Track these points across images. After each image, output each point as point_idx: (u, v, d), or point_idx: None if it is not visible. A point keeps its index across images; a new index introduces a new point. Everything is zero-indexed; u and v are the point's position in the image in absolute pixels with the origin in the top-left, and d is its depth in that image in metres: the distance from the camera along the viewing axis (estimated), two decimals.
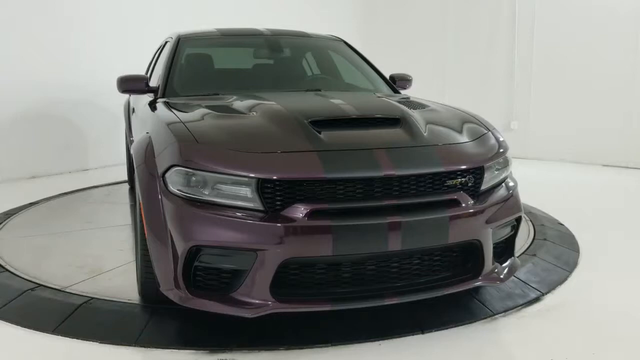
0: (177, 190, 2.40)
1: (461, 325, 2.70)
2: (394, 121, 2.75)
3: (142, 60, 5.92)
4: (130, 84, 3.53)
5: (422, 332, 2.61)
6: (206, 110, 2.91)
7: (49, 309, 2.84)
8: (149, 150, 2.65)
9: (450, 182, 2.52)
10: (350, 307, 2.41)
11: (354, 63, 4.19)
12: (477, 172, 2.61)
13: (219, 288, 2.40)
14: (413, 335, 2.59)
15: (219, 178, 2.33)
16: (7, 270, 3.41)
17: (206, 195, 2.35)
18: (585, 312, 2.87)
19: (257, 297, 2.31)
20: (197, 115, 2.85)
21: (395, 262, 2.48)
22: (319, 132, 2.54)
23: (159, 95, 3.47)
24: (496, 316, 2.80)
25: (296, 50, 4.21)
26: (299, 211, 2.27)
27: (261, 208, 2.30)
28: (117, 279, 3.25)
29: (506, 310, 2.85)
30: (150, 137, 2.76)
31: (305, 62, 4.23)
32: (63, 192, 5.69)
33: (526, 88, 8.26)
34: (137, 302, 2.87)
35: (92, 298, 2.94)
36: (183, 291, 2.37)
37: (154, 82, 3.87)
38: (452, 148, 2.63)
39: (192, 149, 2.43)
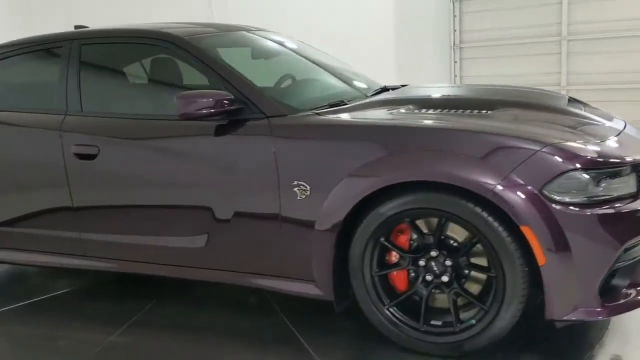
0: (570, 199, 2.19)
1: None
2: None
3: None
4: (201, 103, 2.53)
5: None
6: (452, 117, 2.61)
7: None
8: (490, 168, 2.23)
9: None
10: None
11: None
12: None
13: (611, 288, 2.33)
14: None
15: (606, 172, 2.24)
16: None
17: (599, 193, 2.21)
18: None
19: None
20: (458, 120, 2.55)
21: None
22: None
23: (269, 115, 2.60)
24: None
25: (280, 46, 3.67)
26: None
27: (634, 191, 2.31)
28: None
29: None
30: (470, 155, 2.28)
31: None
32: None
33: None
34: None
35: None
36: (597, 304, 2.25)
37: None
38: None
39: (574, 149, 2.24)
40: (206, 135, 2.69)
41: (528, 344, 2.51)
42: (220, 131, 2.66)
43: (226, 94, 2.62)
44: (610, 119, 2.82)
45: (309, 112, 2.67)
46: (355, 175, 2.40)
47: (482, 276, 2.41)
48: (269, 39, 3.55)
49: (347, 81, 3.38)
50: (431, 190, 2.31)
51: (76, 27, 3.57)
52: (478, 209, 2.23)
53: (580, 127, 2.60)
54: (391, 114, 2.73)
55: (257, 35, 3.52)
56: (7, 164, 3.18)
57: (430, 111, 2.72)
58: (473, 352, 2.38)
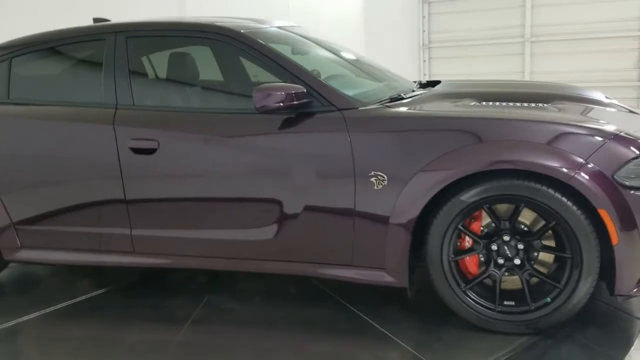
0: (637, 183, 2.39)
1: None
2: None
3: None
4: (278, 97, 2.57)
5: None
6: (518, 109, 2.79)
7: None
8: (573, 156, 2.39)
9: None
10: None
11: None
12: None
13: None
14: None
15: None
16: None
17: None
18: None
19: None
20: (527, 112, 2.73)
21: None
22: None
23: (340, 107, 2.67)
24: None
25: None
26: None
27: None
28: None
29: None
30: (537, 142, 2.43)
31: None
32: None
33: None
34: None
35: None
36: None
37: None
38: None
39: (638, 138, 2.43)
40: (276, 128, 2.72)
41: (587, 319, 2.70)
42: (290, 124, 2.70)
43: (301, 88, 2.66)
44: None
45: (379, 105, 2.76)
46: (436, 164, 2.50)
47: (549, 257, 2.58)
48: (302, 35, 3.60)
49: (385, 77, 3.50)
50: (510, 178, 2.45)
51: (95, 19, 3.47)
52: (558, 194, 2.39)
53: (627, 119, 2.84)
54: (458, 106, 2.87)
55: (289, 30, 3.57)
56: (44, 159, 3.05)
57: (491, 104, 2.87)
58: (547, 329, 2.56)
